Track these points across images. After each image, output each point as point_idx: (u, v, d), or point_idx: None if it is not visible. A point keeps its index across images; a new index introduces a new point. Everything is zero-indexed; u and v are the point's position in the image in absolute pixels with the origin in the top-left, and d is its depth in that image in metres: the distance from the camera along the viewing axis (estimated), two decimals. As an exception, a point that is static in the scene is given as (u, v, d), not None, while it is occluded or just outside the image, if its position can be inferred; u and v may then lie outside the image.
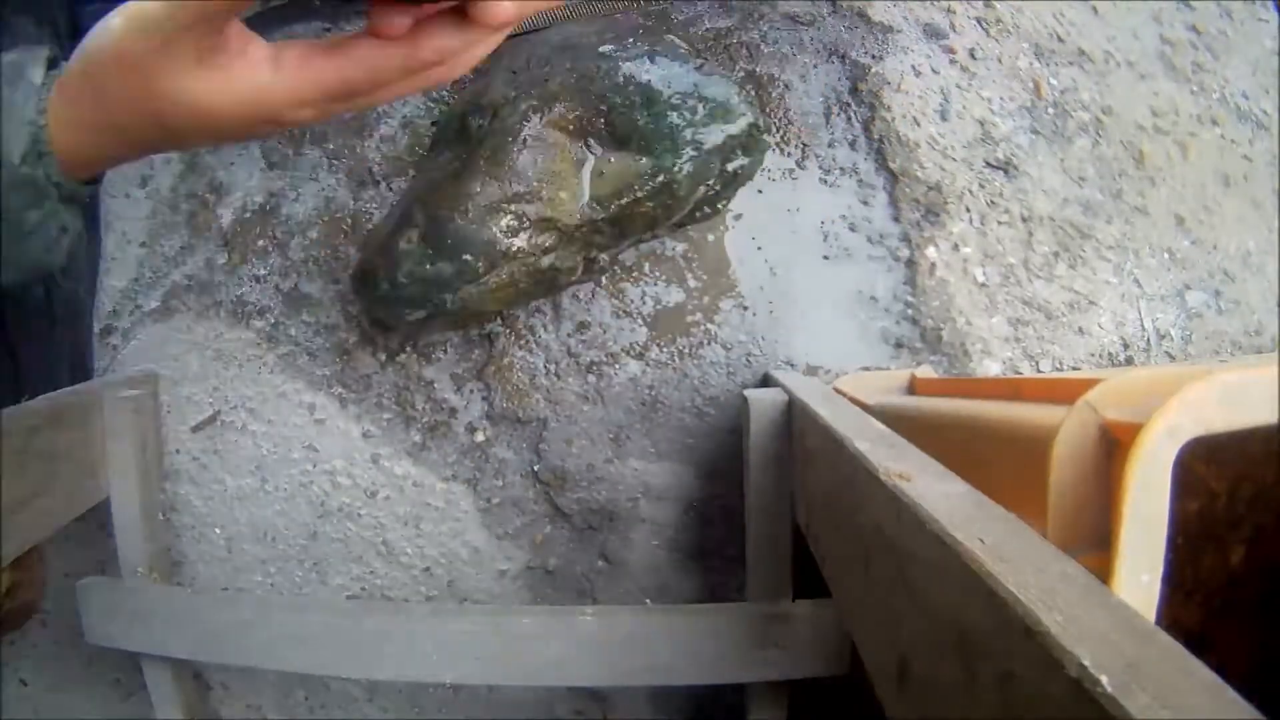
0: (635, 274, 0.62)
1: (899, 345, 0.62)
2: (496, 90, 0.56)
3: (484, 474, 0.64)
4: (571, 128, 0.54)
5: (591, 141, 0.54)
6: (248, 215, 0.67)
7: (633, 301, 0.62)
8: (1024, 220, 0.63)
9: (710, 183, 0.56)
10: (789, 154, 0.63)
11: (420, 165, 0.64)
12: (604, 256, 0.58)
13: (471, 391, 0.63)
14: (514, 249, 0.53)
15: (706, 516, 0.63)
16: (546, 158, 0.53)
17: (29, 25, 0.57)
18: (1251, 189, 0.66)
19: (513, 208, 0.52)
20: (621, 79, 0.53)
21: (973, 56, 0.64)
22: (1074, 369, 0.62)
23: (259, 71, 0.32)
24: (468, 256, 0.53)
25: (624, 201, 0.53)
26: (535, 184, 0.53)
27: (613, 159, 0.54)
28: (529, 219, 0.53)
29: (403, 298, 0.55)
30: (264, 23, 0.65)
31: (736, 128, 0.55)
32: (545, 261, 0.55)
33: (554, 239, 0.54)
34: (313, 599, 0.65)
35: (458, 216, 0.53)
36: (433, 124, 0.66)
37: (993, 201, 0.62)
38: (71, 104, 0.33)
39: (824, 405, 0.43)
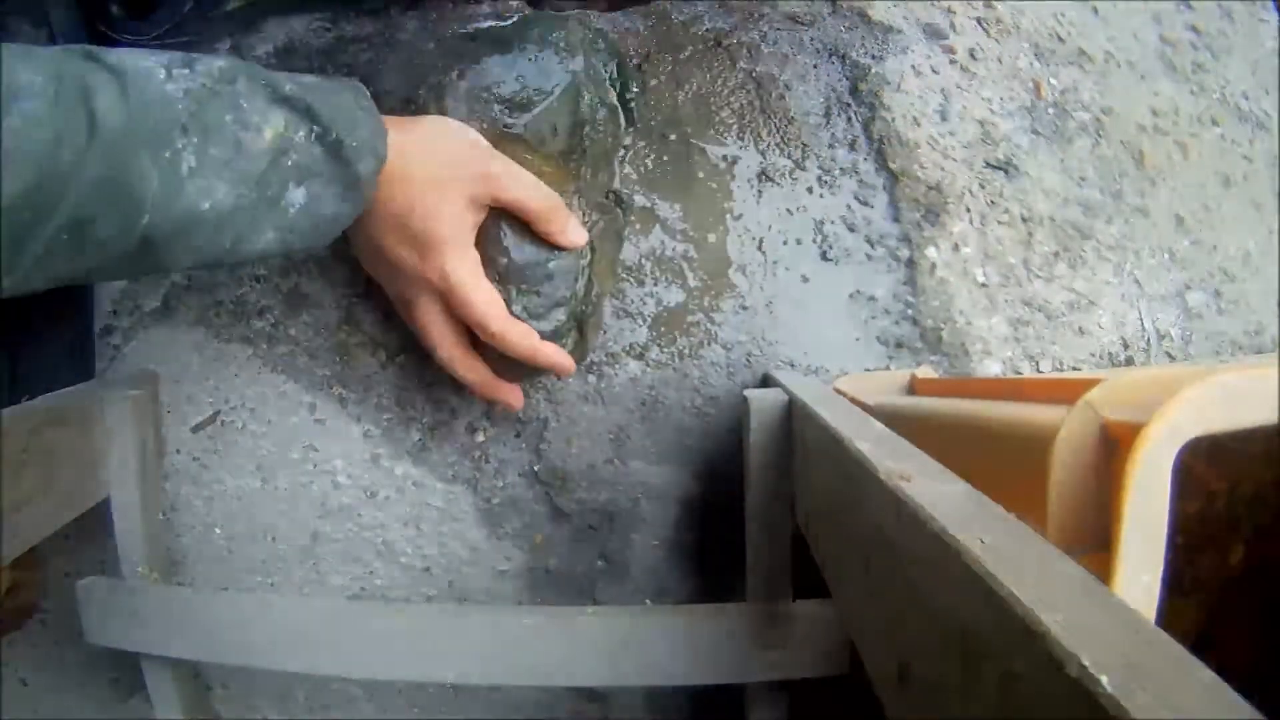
0: (636, 274, 0.62)
1: (899, 345, 0.62)
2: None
3: (484, 474, 0.64)
4: (484, 126, 0.52)
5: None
6: (248, 215, 0.67)
7: (633, 301, 0.62)
8: (1024, 220, 0.63)
9: None
10: (789, 154, 0.63)
11: None
12: None
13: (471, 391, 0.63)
14: None
15: (706, 517, 0.63)
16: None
17: (25, 25, 0.57)
18: (1251, 189, 0.66)
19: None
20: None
21: (973, 57, 0.64)
22: (1074, 369, 0.62)
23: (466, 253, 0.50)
24: None
25: None
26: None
27: None
28: None
29: None
30: (259, 14, 0.65)
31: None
32: None
33: None
34: (313, 599, 0.65)
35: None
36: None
37: (993, 201, 0.62)
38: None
39: (824, 405, 0.43)
